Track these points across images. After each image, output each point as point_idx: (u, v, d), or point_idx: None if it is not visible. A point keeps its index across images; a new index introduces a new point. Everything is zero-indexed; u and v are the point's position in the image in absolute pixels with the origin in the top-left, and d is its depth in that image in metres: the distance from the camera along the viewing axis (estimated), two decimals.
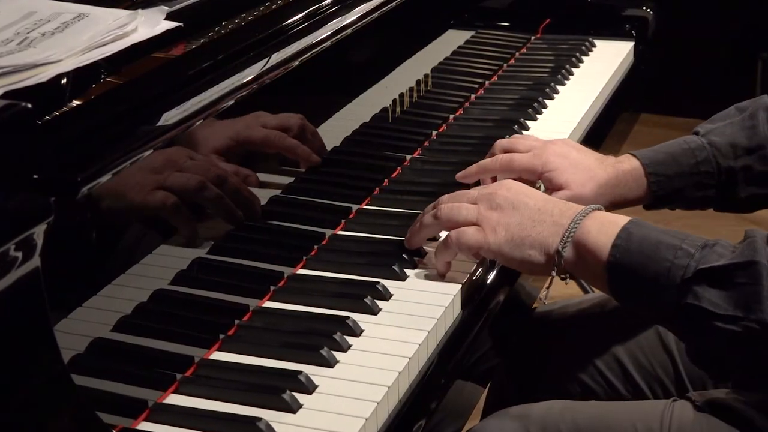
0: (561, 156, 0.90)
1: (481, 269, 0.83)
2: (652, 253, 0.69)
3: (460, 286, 0.80)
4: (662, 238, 0.70)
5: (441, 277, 0.80)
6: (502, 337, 0.88)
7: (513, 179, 0.87)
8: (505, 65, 1.28)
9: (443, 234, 0.83)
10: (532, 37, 1.36)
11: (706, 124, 0.93)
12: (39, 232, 0.56)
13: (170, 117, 0.68)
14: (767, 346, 0.65)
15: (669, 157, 0.90)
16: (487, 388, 0.97)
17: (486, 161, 0.93)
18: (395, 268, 0.81)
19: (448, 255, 0.79)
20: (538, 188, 0.93)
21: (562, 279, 0.75)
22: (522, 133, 1.06)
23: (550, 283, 0.77)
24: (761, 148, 0.90)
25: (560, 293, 0.86)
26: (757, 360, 0.67)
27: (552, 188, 0.90)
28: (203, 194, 0.75)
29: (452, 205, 0.79)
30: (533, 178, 0.92)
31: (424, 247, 0.84)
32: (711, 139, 0.91)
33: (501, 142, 0.94)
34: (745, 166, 0.90)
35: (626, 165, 0.91)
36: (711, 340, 0.68)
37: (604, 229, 0.72)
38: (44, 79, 0.61)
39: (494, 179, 0.93)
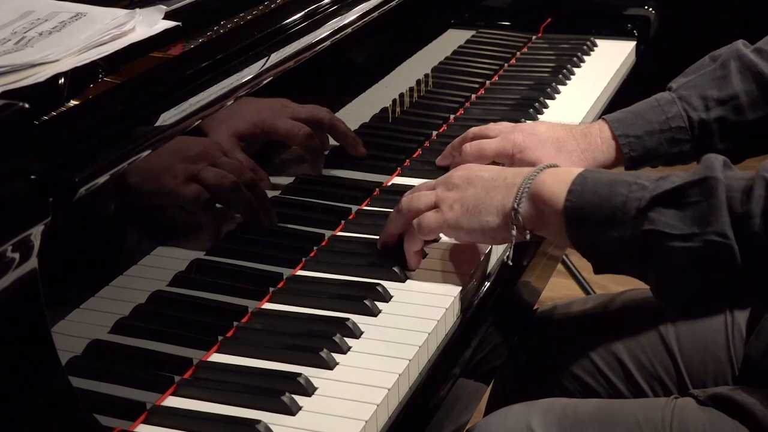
0: (529, 134, 0.90)
1: (481, 270, 0.83)
2: (606, 192, 0.68)
3: (461, 287, 0.79)
4: (617, 177, 0.69)
5: (412, 270, 0.79)
6: (504, 337, 0.87)
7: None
8: (506, 65, 1.27)
9: (442, 236, 0.82)
10: (534, 37, 1.35)
11: (680, 77, 0.93)
12: (36, 233, 0.56)
13: (168, 117, 0.68)
14: (727, 258, 0.64)
15: (637, 116, 0.90)
16: (489, 387, 0.97)
17: (456, 160, 0.93)
18: (395, 269, 0.80)
19: (415, 244, 0.79)
20: None
21: (524, 237, 0.74)
22: None
23: (512, 244, 0.76)
24: (733, 98, 0.88)
25: (561, 294, 0.86)
26: (720, 276, 0.65)
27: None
28: (235, 196, 0.74)
29: (412, 195, 0.79)
30: (506, 161, 0.91)
31: (424, 249, 0.84)
32: (681, 93, 0.90)
33: (473, 130, 0.94)
34: (719, 117, 0.88)
35: (594, 129, 0.90)
36: (672, 264, 0.66)
37: (560, 178, 0.72)
38: (41, 79, 0.61)
39: None
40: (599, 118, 1.17)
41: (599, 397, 0.92)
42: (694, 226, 0.65)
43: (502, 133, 0.91)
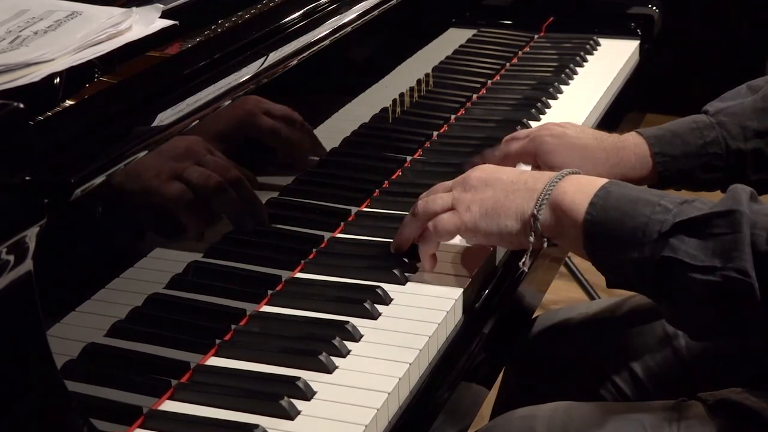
0: (556, 137, 0.88)
1: (483, 273, 0.82)
2: (629, 209, 0.67)
3: (462, 290, 0.78)
4: (641, 195, 0.68)
5: (428, 272, 0.78)
6: (506, 341, 0.86)
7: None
8: (507, 64, 1.26)
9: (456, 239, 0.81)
10: (536, 36, 1.35)
11: (716, 102, 0.91)
12: (31, 234, 0.55)
13: (165, 117, 0.67)
14: (746, 295, 0.63)
15: (676, 136, 0.88)
16: (491, 392, 0.96)
17: (488, 158, 0.92)
18: (395, 271, 0.80)
19: (430, 247, 0.78)
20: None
21: (542, 244, 0.73)
22: None
23: (530, 250, 0.75)
24: None
25: (564, 297, 0.85)
26: (737, 312, 0.65)
27: (548, 171, 0.89)
28: (219, 195, 0.74)
29: (428, 198, 0.78)
30: (529, 161, 0.90)
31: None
32: (720, 119, 0.89)
33: (505, 138, 0.94)
34: (755, 149, 0.88)
35: (629, 143, 0.88)
36: (689, 294, 0.65)
37: (582, 188, 0.71)
38: (37, 79, 0.60)
39: None
40: (601, 115, 1.17)
41: (601, 398, 0.91)
42: (716, 259, 0.64)
43: (530, 134, 0.90)
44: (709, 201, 0.67)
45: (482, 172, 0.77)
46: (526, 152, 0.89)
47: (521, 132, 0.93)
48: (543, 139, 0.88)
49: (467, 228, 0.75)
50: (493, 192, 0.74)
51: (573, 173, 0.73)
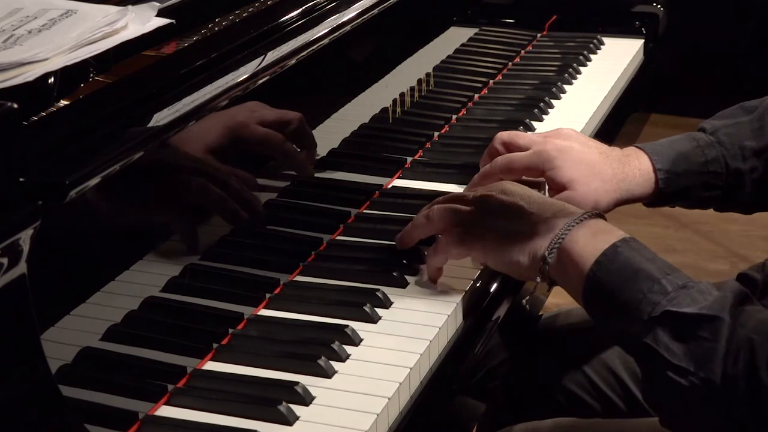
0: (563, 151, 0.87)
1: (484, 277, 0.81)
2: (630, 279, 0.67)
3: (463, 294, 0.78)
4: (645, 266, 0.67)
5: (433, 283, 0.78)
6: (508, 346, 0.85)
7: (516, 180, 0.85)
8: (510, 64, 1.26)
9: None
10: (538, 35, 1.34)
11: (713, 120, 0.91)
12: (25, 237, 0.55)
13: (162, 118, 0.66)
14: (709, 405, 0.64)
15: (677, 153, 0.88)
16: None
17: (485, 168, 0.90)
18: (395, 274, 0.79)
19: (439, 260, 0.77)
20: (544, 185, 0.90)
21: (547, 284, 0.73)
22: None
23: (534, 289, 0.75)
24: (766, 150, 0.88)
25: (567, 300, 0.84)
26: (698, 416, 0.65)
27: (554, 187, 0.88)
28: (205, 197, 0.73)
29: (445, 206, 0.77)
30: (536, 176, 0.89)
31: (426, 253, 0.82)
32: (720, 138, 0.89)
33: (501, 135, 0.92)
34: (753, 168, 0.88)
35: (633, 160, 0.88)
36: (661, 384, 0.66)
37: (594, 240, 0.70)
38: (31, 78, 0.60)
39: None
40: (605, 116, 1.15)
41: (594, 413, 0.90)
42: (691, 363, 0.64)
43: (533, 144, 0.88)
44: (709, 289, 0.66)
45: (504, 194, 0.76)
46: (532, 167, 0.87)
47: (520, 138, 0.90)
48: (549, 155, 0.86)
49: (479, 253, 0.75)
50: (510, 222, 0.74)
51: (593, 216, 0.72)
